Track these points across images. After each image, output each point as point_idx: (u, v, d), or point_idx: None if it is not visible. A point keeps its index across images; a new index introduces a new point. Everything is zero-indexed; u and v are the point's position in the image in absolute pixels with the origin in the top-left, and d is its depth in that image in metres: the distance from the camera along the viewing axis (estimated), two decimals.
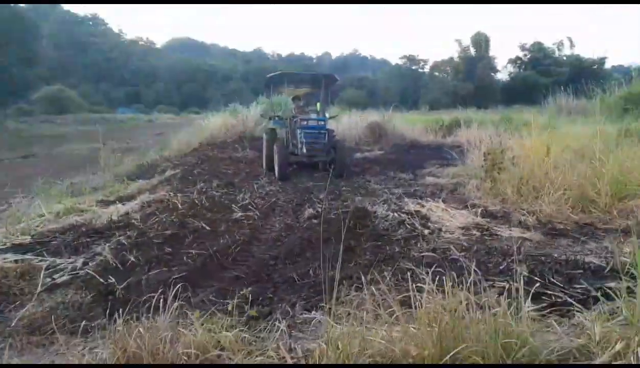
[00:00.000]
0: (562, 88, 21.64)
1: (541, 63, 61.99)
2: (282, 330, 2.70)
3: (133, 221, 5.90)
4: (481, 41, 64.86)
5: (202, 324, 2.62)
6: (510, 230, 5.51)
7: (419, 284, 2.67)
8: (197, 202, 6.66)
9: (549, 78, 53.82)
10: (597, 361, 2.20)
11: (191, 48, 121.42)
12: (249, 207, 6.51)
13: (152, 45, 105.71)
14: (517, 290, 2.86)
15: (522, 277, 3.74)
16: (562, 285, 3.50)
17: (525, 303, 2.78)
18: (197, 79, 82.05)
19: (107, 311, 3.39)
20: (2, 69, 31.80)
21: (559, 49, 64.98)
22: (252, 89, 52.15)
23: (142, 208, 6.60)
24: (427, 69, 72.89)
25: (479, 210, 6.26)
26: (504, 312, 2.38)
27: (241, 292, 3.31)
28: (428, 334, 2.31)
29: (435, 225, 5.63)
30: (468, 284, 2.80)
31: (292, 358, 2.39)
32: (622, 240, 4.93)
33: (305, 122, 9.61)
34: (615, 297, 2.67)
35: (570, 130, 11.61)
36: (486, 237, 5.23)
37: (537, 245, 4.95)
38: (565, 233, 5.29)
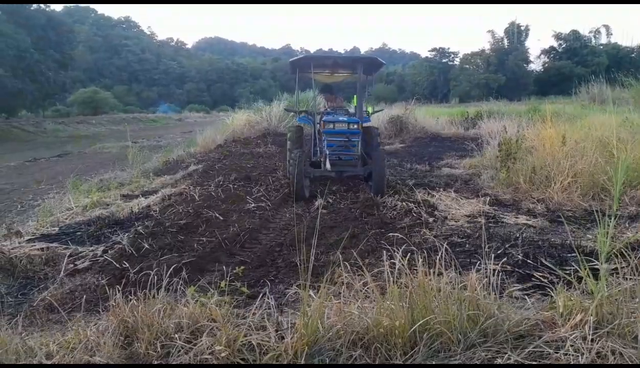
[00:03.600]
0: (595, 77, 21.08)
1: (577, 53, 60.18)
2: (272, 305, 2.89)
3: (152, 213, 6.24)
4: (515, 32, 63.47)
5: (196, 300, 2.84)
6: (517, 218, 5.56)
7: (395, 262, 2.81)
8: (213, 194, 6.95)
9: (586, 68, 52.16)
10: (561, 331, 2.31)
11: (220, 47, 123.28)
12: (262, 198, 6.75)
13: (183, 46, 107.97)
14: (500, 272, 2.99)
15: (513, 260, 3.88)
16: (552, 267, 3.57)
17: (507, 282, 2.92)
18: (226, 78, 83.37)
19: (120, 292, 3.67)
20: (40, 73, 33.08)
21: (595, 38, 63.04)
22: (281, 86, 52.69)
23: (162, 201, 6.92)
24: (457, 62, 71.70)
25: (489, 199, 6.31)
26: (472, 288, 2.50)
27: (234, 271, 3.51)
28: (400, 307, 2.46)
29: (442, 214, 5.74)
30: (449, 265, 2.97)
31: (275, 329, 2.59)
32: (627, 225, 4.94)
33: (331, 126, 7.14)
34: (583, 275, 2.74)
35: (596, 119, 11.42)
36: (491, 224, 5.31)
37: (540, 231, 5.00)
38: (571, 220, 5.31)
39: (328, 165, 7.09)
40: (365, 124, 7.81)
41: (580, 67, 55.18)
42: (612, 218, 2.94)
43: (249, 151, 12.33)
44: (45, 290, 4.01)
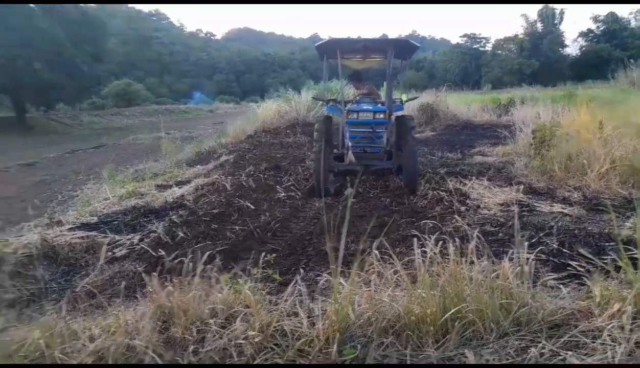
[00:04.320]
0: (635, 61, 20.34)
1: (616, 35, 57.96)
2: (303, 292, 2.93)
3: (186, 202, 6.38)
4: (549, 15, 61.56)
5: (230, 286, 2.90)
6: (552, 206, 5.44)
7: (427, 251, 2.81)
8: (244, 183, 7.05)
9: (625, 51, 50.16)
10: (597, 321, 2.27)
11: (249, 38, 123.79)
12: (292, 188, 6.81)
13: (212, 37, 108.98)
14: (534, 260, 2.95)
15: (548, 249, 3.81)
16: (589, 256, 3.48)
17: (541, 271, 2.87)
18: (255, 69, 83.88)
19: (156, 279, 3.78)
20: (75, 67, 33.92)
21: (635, 19, 60.52)
22: (310, 76, 52.63)
23: (195, 191, 7.07)
24: (489, 48, 70.03)
25: (522, 187, 6.19)
26: (505, 276, 2.48)
27: (265, 258, 3.56)
28: (431, 295, 2.46)
29: (474, 202, 5.66)
30: (482, 254, 2.95)
31: (307, 316, 2.63)
32: None
33: (354, 115, 6.56)
34: (621, 264, 2.67)
35: (637, 104, 11.03)
36: (525, 213, 5.21)
37: (576, 220, 4.88)
38: (610, 209, 5.15)
39: (351, 158, 6.60)
40: (397, 113, 7.24)
41: (619, 50, 53.15)
42: None
43: (278, 141, 12.41)
44: (87, 277, 4.18)
